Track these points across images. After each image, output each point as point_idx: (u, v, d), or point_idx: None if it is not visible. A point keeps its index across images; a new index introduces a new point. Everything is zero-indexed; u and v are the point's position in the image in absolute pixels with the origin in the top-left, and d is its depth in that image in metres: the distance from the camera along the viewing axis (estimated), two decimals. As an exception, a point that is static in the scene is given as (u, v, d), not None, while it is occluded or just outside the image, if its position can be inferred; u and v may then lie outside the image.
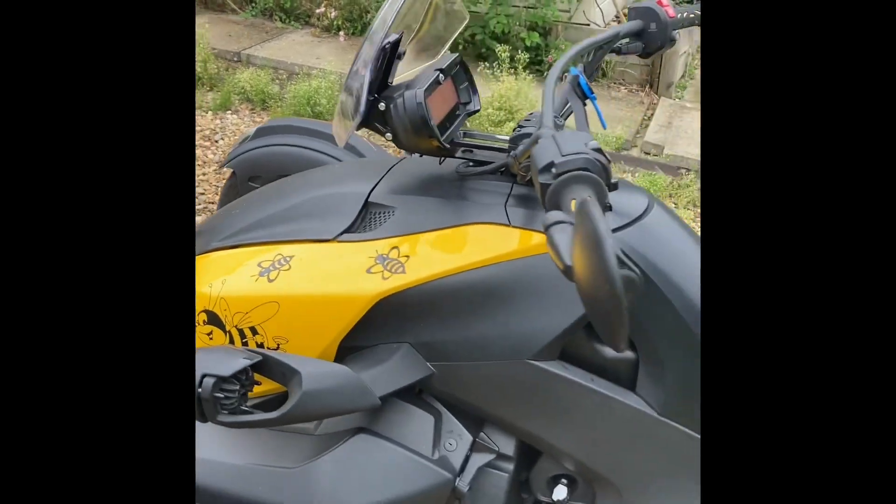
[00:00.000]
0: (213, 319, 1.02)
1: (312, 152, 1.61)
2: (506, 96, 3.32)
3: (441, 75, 1.01)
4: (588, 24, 4.18)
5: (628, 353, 0.99)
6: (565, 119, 1.10)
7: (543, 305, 0.95)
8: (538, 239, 0.95)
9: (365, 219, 1.03)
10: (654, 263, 0.95)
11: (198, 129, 3.46)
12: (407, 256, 0.97)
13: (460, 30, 1.17)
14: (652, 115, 3.77)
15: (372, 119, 1.00)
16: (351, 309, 0.96)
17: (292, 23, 4.62)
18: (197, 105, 3.71)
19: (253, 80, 3.64)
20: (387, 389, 0.93)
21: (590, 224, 0.55)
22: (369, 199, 1.04)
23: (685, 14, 1.20)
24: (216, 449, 1.00)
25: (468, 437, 1.03)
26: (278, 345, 1.00)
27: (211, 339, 1.02)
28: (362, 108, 0.95)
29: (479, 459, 1.03)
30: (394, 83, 1.03)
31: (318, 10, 4.45)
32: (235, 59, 4.08)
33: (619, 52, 1.14)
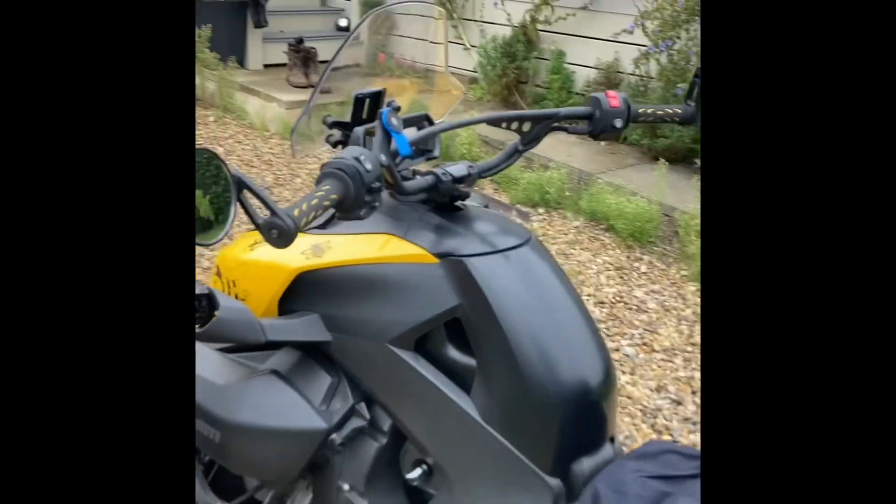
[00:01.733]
0: (218, 272, 1.43)
1: None
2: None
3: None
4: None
5: (471, 361, 1.18)
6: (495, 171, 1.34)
7: (405, 302, 1.20)
8: (416, 251, 1.20)
9: (330, 221, 1.37)
10: (496, 292, 1.15)
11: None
12: (329, 247, 1.29)
13: (458, 101, 1.47)
14: None
15: None
16: (280, 276, 1.31)
17: (567, 124, 5.08)
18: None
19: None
20: (278, 337, 1.25)
21: None
22: None
23: (647, 109, 1.36)
24: (207, 364, 1.38)
25: (351, 402, 1.29)
26: (245, 298, 1.37)
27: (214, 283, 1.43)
28: (296, 124, 1.30)
29: (356, 423, 1.28)
30: None
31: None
32: (500, 146, 4.63)
33: (566, 130, 1.35)
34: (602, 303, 3.16)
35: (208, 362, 1.39)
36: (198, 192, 0.90)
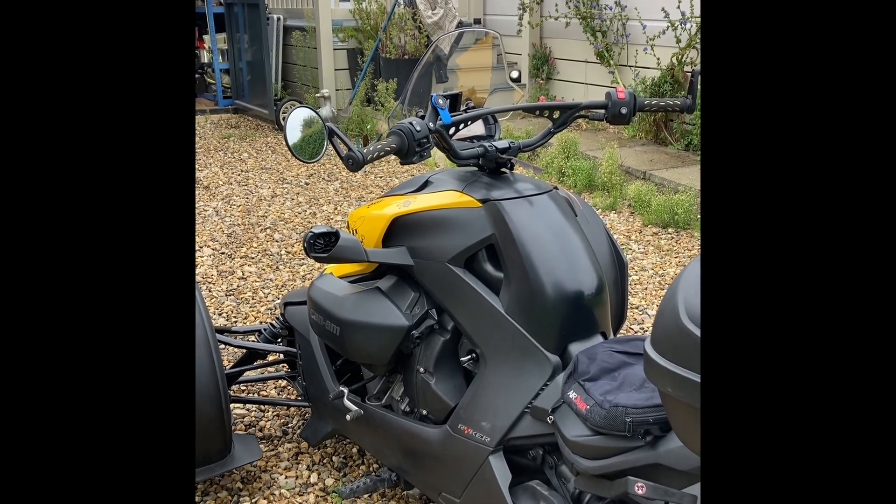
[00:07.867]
0: (348, 225, 2.06)
1: None
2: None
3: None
4: None
5: (500, 273, 1.69)
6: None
7: (458, 233, 1.75)
8: (468, 199, 1.75)
9: (425, 186, 1.95)
10: (517, 224, 1.66)
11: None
12: (415, 200, 1.86)
13: (520, 98, 2.01)
14: None
15: None
16: (382, 221, 1.90)
17: (711, 157, 5.35)
18: (593, 204, 4.74)
19: (638, 191, 4.53)
20: (376, 259, 1.83)
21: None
22: (429, 179, 1.96)
23: (652, 101, 1.82)
24: (333, 286, 2.01)
25: (426, 308, 1.84)
26: (361, 239, 1.98)
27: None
28: (392, 112, 1.89)
29: (428, 322, 1.83)
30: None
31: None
32: (641, 176, 5.01)
33: (587, 117, 1.84)
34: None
35: (336, 285, 2.01)
36: (306, 135, 1.53)
